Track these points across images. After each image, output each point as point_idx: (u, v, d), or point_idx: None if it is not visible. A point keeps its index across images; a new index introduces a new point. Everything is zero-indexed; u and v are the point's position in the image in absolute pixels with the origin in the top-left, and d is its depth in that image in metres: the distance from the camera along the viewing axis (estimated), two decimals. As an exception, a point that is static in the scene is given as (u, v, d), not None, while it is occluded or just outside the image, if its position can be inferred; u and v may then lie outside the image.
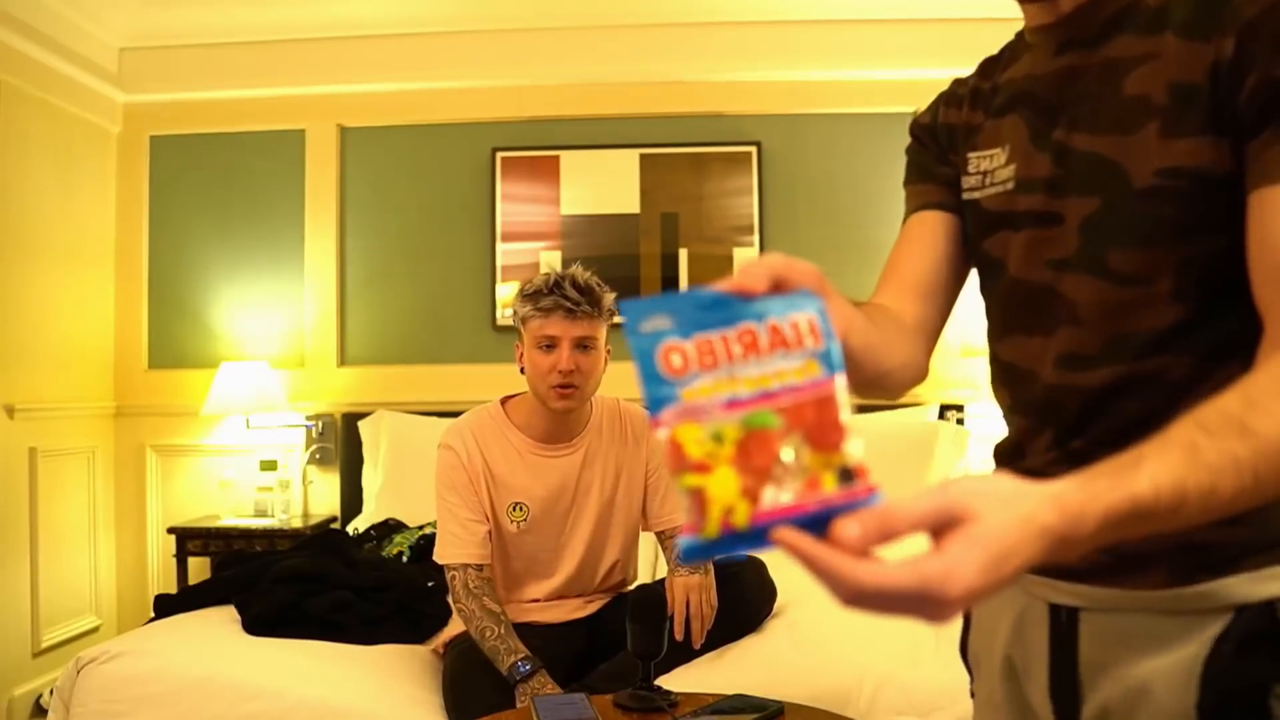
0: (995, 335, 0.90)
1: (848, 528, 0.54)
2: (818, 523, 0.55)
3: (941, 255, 0.95)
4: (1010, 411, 0.90)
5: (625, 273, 3.65)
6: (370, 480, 3.42)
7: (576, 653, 1.86)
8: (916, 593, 0.53)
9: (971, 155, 0.91)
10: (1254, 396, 0.61)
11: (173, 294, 3.72)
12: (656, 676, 1.56)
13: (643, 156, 3.67)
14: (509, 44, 3.66)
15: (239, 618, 1.97)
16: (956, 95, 0.99)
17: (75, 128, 3.50)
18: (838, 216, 3.65)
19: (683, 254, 3.65)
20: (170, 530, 3.37)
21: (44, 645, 3.19)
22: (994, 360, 0.91)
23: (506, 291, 3.66)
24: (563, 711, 1.45)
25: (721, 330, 0.59)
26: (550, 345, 1.76)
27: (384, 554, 2.62)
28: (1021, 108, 0.86)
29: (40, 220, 3.28)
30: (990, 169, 0.88)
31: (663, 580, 1.82)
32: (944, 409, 3.51)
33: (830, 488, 0.56)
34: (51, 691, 2.92)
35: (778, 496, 0.56)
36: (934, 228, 0.95)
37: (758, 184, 3.64)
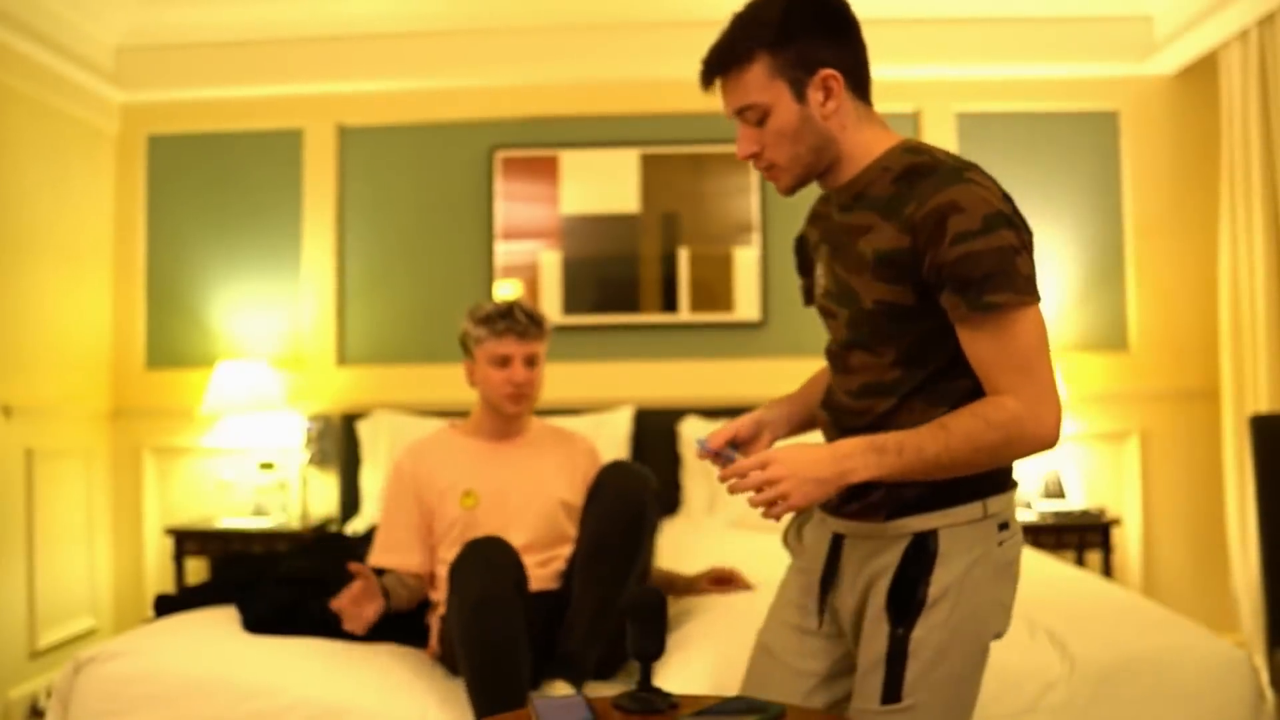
0: (829, 358, 1.39)
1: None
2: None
3: None
4: (822, 406, 1.39)
5: (626, 272, 3.65)
6: (369, 481, 3.43)
7: (543, 625, 1.90)
8: (759, 460, 1.18)
9: (817, 263, 1.39)
10: (955, 413, 1.18)
11: (170, 294, 3.73)
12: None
13: (643, 156, 3.68)
14: (508, 43, 3.67)
15: (238, 618, 1.98)
16: (812, 212, 1.44)
17: (72, 127, 3.51)
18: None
19: (683, 254, 3.66)
20: (167, 531, 3.38)
21: (41, 647, 3.20)
22: (829, 381, 1.39)
23: (506, 291, 3.67)
24: (562, 713, 1.45)
25: None
26: (505, 362, 2.05)
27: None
28: (826, 242, 1.35)
29: (37, 220, 3.29)
30: (819, 275, 1.37)
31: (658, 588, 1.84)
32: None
33: None
34: (48, 694, 2.93)
35: None
36: None
37: (759, 183, 3.65)
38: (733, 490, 1.19)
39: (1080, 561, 3.33)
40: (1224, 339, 3.30)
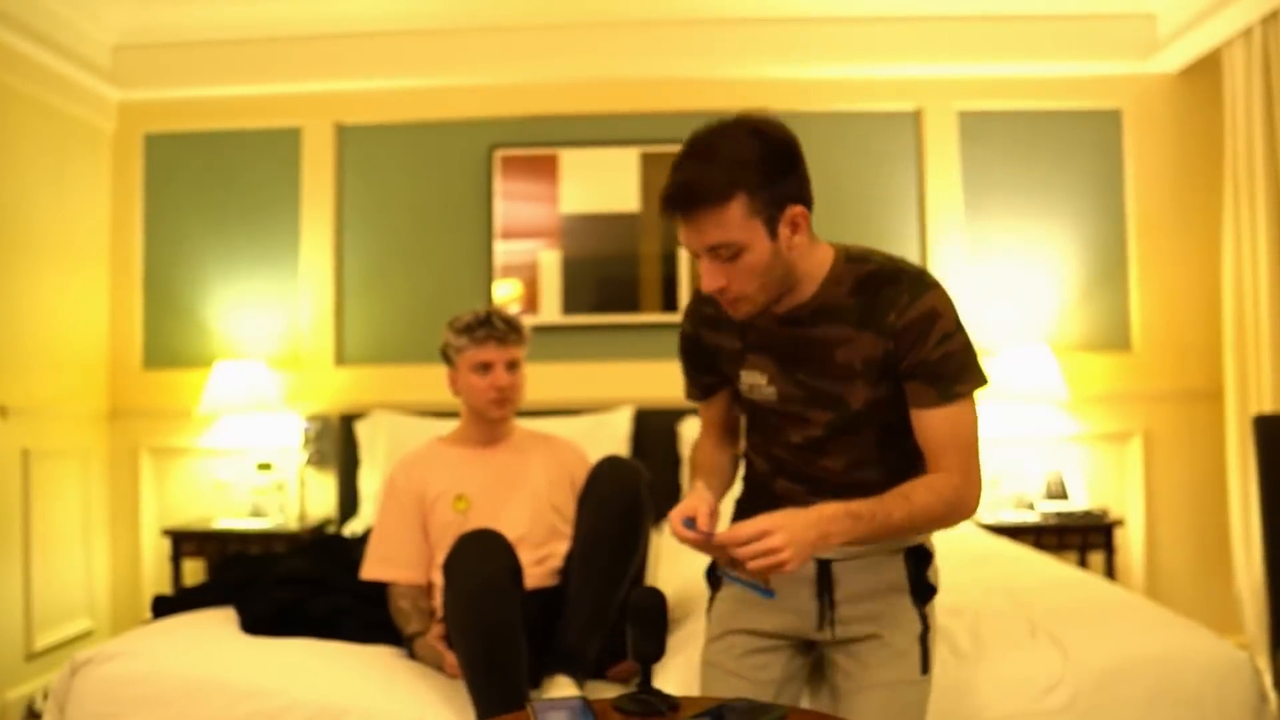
0: (771, 444, 1.52)
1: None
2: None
3: (729, 406, 1.64)
4: (776, 475, 1.53)
5: (626, 272, 3.66)
6: (367, 482, 3.43)
7: (541, 622, 1.92)
8: (760, 530, 1.25)
9: (742, 371, 1.50)
10: (913, 485, 1.36)
11: (167, 294, 3.74)
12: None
13: (643, 155, 3.68)
14: (507, 40, 3.67)
15: (236, 619, 1.98)
16: (709, 318, 1.54)
17: (69, 125, 3.51)
18: (839, 214, 3.66)
19: (683, 253, 3.66)
20: (165, 532, 3.39)
21: (37, 649, 3.20)
22: (771, 456, 1.53)
23: (505, 291, 3.67)
24: (561, 716, 1.46)
25: None
26: (486, 368, 2.12)
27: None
28: (767, 352, 1.46)
29: (34, 219, 3.30)
30: (757, 385, 1.48)
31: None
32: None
33: None
34: (45, 695, 2.94)
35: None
36: (723, 398, 1.62)
37: (759, 182, 3.64)
38: (740, 558, 1.26)
39: (1083, 563, 3.33)
40: (1227, 339, 3.30)
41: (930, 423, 1.37)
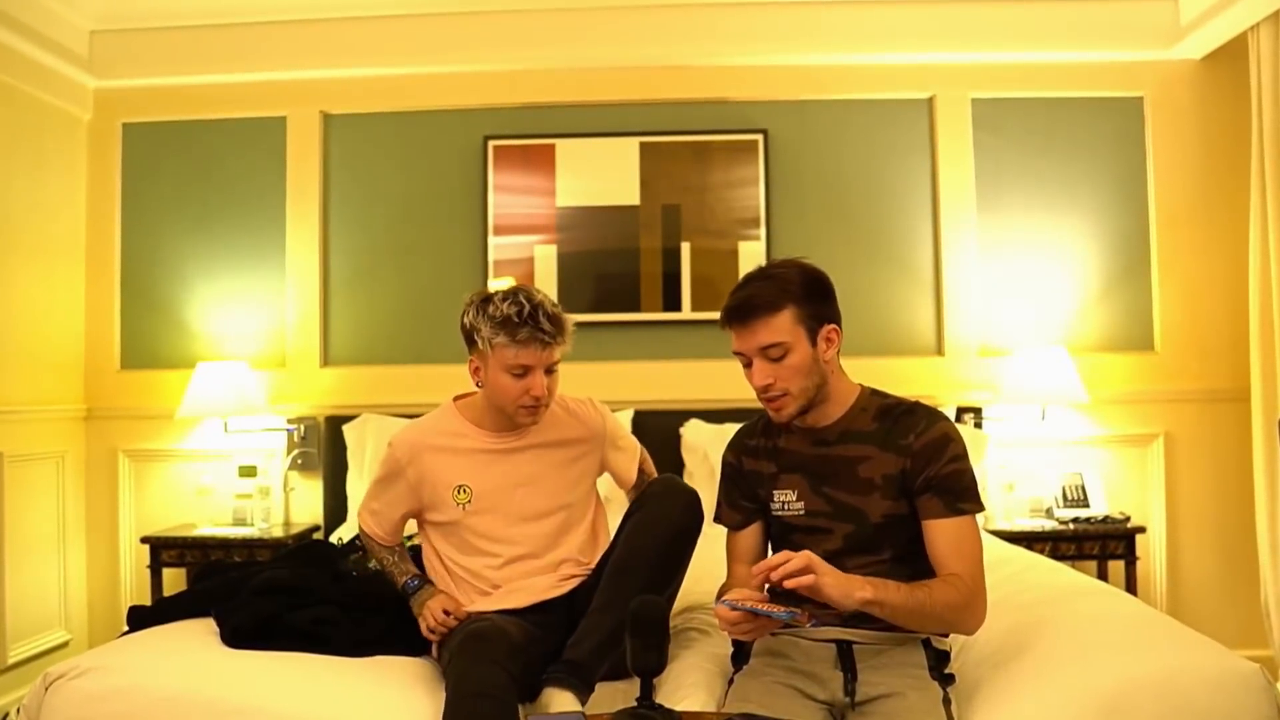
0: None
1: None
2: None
3: (761, 539, 1.88)
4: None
5: (625, 267, 3.65)
6: (355, 486, 3.42)
7: (558, 631, 1.90)
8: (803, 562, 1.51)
9: (775, 491, 1.79)
10: (935, 581, 1.61)
11: (146, 290, 3.73)
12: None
13: (643, 145, 3.67)
14: (501, 26, 3.66)
15: (217, 631, 1.96)
16: (751, 448, 1.85)
17: (44, 115, 3.50)
18: (848, 208, 3.65)
19: (685, 248, 3.65)
20: (144, 539, 3.38)
21: (10, 661, 3.20)
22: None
23: (499, 288, 3.66)
24: (559, 731, 1.45)
25: None
26: (524, 372, 1.97)
27: (370, 565, 2.61)
28: (799, 471, 1.77)
29: (7, 212, 3.29)
30: (788, 501, 1.77)
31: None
32: (960, 412, 3.51)
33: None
34: (19, 710, 2.93)
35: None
36: (755, 529, 1.87)
37: (764, 174, 3.64)
38: (778, 576, 1.51)
39: (1103, 571, 3.32)
40: (1253, 337, 3.29)
41: (939, 533, 1.65)
